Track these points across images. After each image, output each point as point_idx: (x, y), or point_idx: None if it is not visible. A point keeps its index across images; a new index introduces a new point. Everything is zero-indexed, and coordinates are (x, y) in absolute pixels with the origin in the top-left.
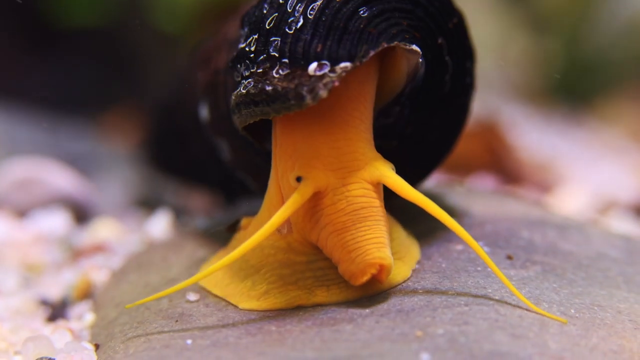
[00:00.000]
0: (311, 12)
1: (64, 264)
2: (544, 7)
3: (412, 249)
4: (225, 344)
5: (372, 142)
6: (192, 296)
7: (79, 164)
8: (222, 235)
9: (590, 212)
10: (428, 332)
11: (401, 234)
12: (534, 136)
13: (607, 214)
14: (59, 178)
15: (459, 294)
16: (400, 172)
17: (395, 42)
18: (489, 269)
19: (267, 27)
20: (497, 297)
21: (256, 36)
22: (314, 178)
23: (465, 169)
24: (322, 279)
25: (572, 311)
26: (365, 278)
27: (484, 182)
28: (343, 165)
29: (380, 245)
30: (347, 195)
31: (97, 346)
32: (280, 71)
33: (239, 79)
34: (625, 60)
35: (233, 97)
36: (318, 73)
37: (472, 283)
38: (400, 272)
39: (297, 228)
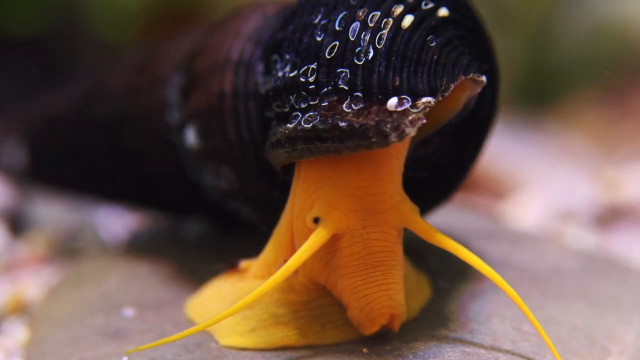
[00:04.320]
0: (380, 42)
1: None
2: (506, 10)
3: (423, 286)
4: None
5: (401, 182)
6: (129, 312)
7: (15, 174)
8: (155, 249)
9: (548, 221)
10: (374, 350)
11: (410, 270)
12: (491, 142)
13: (565, 224)
14: None
15: None
16: (423, 199)
17: (471, 75)
18: None
19: (329, 57)
20: (445, 313)
21: (314, 66)
22: (333, 220)
23: None
24: (317, 319)
25: (526, 327)
26: (374, 329)
27: None
28: (367, 207)
29: (392, 292)
30: (365, 238)
31: None
32: (353, 106)
33: (287, 109)
34: (588, 65)
35: (285, 131)
36: (399, 109)
37: None
38: (407, 310)
39: (304, 269)
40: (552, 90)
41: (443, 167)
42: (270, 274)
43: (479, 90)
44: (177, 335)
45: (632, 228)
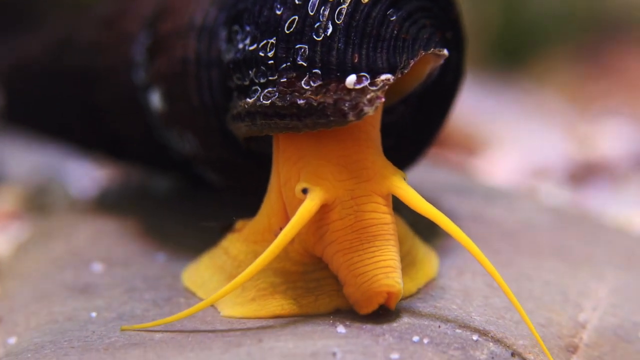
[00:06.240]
0: (339, 17)
1: None
2: None
3: (425, 265)
4: (132, 316)
5: (381, 149)
6: (98, 267)
7: None
8: (124, 205)
9: (521, 177)
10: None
11: (414, 247)
12: (465, 99)
13: (539, 180)
14: None
15: None
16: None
17: (432, 49)
18: None
19: (288, 32)
20: None
21: (273, 40)
22: (321, 190)
23: None
24: (312, 291)
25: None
26: (371, 308)
27: None
28: (352, 175)
29: (389, 269)
30: (356, 210)
31: None
32: (312, 82)
33: (247, 83)
34: (562, 22)
35: (245, 106)
36: (357, 86)
37: None
38: (404, 287)
39: (299, 239)
40: (526, 48)
41: (408, 134)
42: (264, 239)
43: (441, 62)
44: (186, 312)
45: (605, 184)
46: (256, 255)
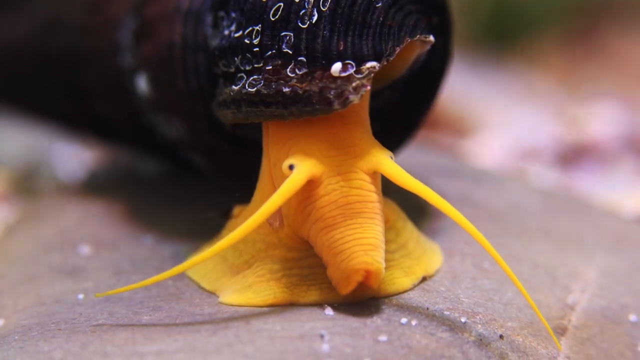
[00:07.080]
0: (324, 4)
1: None
2: None
3: (424, 260)
4: (119, 298)
5: (370, 129)
6: (85, 249)
7: None
8: (112, 188)
9: (510, 159)
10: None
11: (412, 240)
12: (454, 81)
13: (528, 162)
14: None
15: None
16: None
17: (417, 36)
18: None
19: (273, 19)
20: None
21: (259, 28)
22: (307, 164)
23: None
24: (306, 278)
25: (486, 265)
26: (350, 287)
27: None
28: (339, 152)
29: (368, 247)
30: (342, 185)
31: None
32: (297, 70)
33: (233, 70)
34: (553, 4)
35: (230, 93)
36: (343, 74)
37: None
38: (396, 282)
39: (288, 221)
40: (516, 30)
41: (394, 119)
42: (258, 226)
43: (428, 48)
44: (160, 276)
45: (594, 166)
46: (254, 243)
